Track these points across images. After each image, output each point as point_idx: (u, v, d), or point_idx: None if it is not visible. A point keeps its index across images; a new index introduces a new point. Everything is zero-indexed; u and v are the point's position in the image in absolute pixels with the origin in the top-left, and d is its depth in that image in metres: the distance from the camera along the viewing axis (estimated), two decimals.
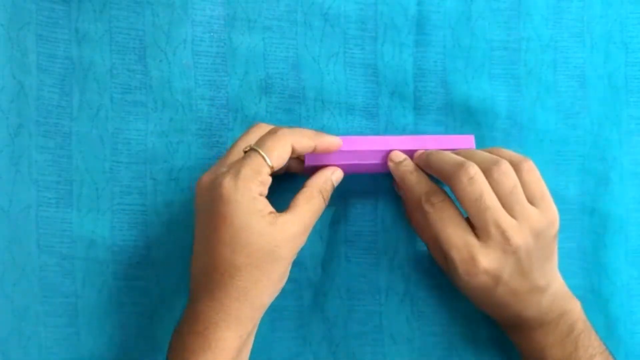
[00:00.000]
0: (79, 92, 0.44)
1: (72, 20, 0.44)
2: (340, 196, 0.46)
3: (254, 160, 0.36)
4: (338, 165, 0.41)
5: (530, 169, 0.39)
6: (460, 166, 0.38)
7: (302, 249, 0.45)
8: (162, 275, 0.45)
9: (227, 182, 0.35)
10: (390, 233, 0.46)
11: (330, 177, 0.40)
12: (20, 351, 0.43)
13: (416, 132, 0.46)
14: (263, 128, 0.40)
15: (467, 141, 0.43)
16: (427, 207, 0.39)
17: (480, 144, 0.45)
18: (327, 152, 0.40)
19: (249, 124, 0.43)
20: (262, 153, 0.36)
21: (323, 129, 0.46)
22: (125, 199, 0.45)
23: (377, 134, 0.46)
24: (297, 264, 0.45)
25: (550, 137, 0.47)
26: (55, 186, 0.44)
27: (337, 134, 0.46)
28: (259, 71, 0.45)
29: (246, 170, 0.36)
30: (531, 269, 0.38)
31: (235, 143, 0.40)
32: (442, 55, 0.47)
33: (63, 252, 0.44)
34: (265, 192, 0.37)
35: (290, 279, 0.45)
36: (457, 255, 0.38)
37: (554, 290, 0.40)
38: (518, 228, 0.37)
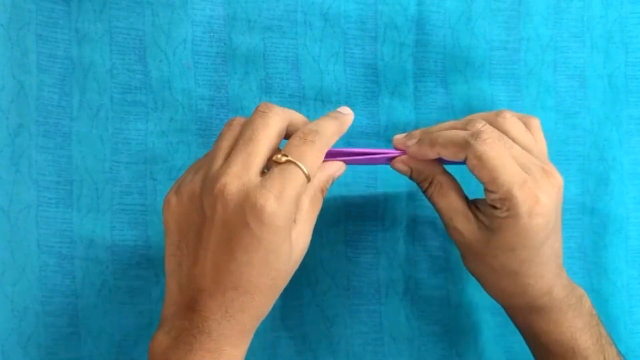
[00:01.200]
0: (79, 92, 0.44)
1: (72, 20, 0.44)
2: (340, 196, 0.46)
3: (296, 178, 0.32)
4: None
5: (538, 127, 0.39)
6: (469, 122, 0.36)
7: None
8: (162, 275, 0.45)
9: (270, 205, 0.31)
10: (391, 233, 0.46)
11: (334, 175, 0.37)
12: (20, 351, 0.43)
13: None
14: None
15: None
16: (479, 145, 0.35)
17: None
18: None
19: None
20: (304, 169, 0.33)
21: None
22: (125, 199, 0.45)
23: (377, 133, 0.46)
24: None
25: (550, 137, 0.47)
26: (55, 186, 0.44)
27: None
28: (259, 71, 0.45)
29: (290, 192, 0.32)
30: (560, 225, 0.37)
31: (225, 136, 0.36)
32: (442, 55, 0.47)
33: (63, 252, 0.44)
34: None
35: (290, 279, 0.45)
36: (520, 192, 0.34)
37: (563, 268, 0.39)
38: (551, 165, 0.37)
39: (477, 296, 0.46)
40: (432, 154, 0.37)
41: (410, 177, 0.39)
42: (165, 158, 0.45)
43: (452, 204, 0.38)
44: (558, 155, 0.47)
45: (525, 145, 0.37)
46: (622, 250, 0.47)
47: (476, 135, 0.35)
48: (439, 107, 0.47)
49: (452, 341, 0.46)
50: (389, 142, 0.44)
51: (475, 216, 0.37)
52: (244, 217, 0.31)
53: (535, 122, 0.39)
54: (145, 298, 0.44)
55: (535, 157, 0.36)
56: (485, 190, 0.35)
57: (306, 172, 0.33)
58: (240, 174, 0.32)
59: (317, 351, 0.46)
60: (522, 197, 0.34)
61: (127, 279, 0.44)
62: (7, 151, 0.43)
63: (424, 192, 0.39)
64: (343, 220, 0.46)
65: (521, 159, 0.35)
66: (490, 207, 0.36)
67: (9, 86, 0.43)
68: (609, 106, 0.48)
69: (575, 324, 0.38)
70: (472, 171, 0.35)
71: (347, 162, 0.38)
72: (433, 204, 0.39)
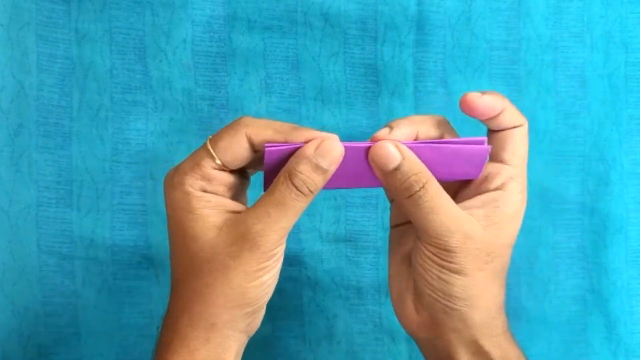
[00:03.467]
0: (79, 92, 0.44)
1: (72, 20, 0.44)
2: (340, 195, 0.46)
3: (199, 152, 0.31)
4: None
5: None
6: None
7: (302, 249, 0.45)
8: (162, 275, 0.45)
9: (167, 175, 0.31)
10: None
11: (308, 155, 0.29)
12: (20, 351, 0.43)
13: None
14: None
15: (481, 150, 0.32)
16: None
17: None
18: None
19: None
20: (209, 144, 0.30)
21: (323, 129, 0.45)
22: (125, 198, 0.44)
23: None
24: (297, 263, 0.45)
25: (550, 137, 0.47)
26: (55, 186, 0.44)
27: (337, 134, 0.46)
28: (259, 71, 0.45)
29: (186, 163, 0.31)
30: None
31: None
32: (442, 55, 0.47)
33: (63, 252, 0.44)
34: (213, 189, 0.30)
35: (290, 278, 0.45)
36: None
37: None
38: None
39: None
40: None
41: (382, 181, 0.32)
42: (165, 158, 0.45)
43: (456, 208, 0.32)
44: (558, 155, 0.47)
45: None
46: (622, 250, 0.47)
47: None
48: (439, 107, 0.46)
49: None
50: None
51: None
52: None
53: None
54: (145, 298, 0.44)
55: None
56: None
57: (208, 144, 0.30)
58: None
59: (317, 351, 0.46)
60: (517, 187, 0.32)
61: (127, 279, 0.44)
62: (7, 151, 0.43)
63: (415, 197, 0.31)
64: (343, 220, 0.46)
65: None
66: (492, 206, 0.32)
67: (9, 86, 0.43)
68: (609, 106, 0.48)
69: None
70: None
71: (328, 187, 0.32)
72: (433, 215, 0.31)
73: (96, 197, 0.44)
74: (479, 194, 0.32)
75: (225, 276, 0.30)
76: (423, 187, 0.30)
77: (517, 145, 0.32)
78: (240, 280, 0.30)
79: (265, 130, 0.30)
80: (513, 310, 0.47)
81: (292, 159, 0.30)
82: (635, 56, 0.48)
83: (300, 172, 0.29)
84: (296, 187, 0.29)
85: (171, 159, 0.45)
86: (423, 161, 0.31)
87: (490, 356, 0.32)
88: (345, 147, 0.30)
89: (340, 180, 0.31)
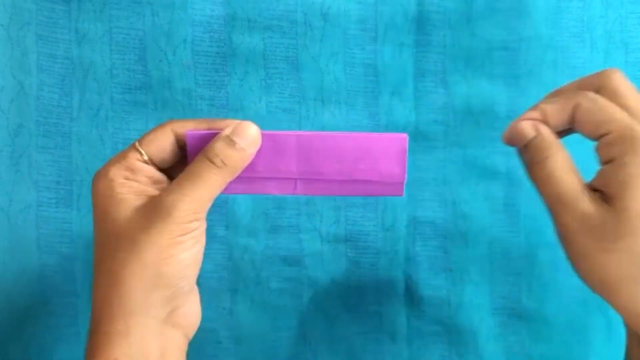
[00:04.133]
0: (79, 92, 0.44)
1: (72, 20, 0.44)
2: (340, 195, 0.46)
3: (127, 148, 0.32)
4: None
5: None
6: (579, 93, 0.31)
7: (303, 248, 0.45)
8: None
9: (95, 172, 0.32)
10: (391, 232, 0.46)
11: (223, 135, 0.31)
12: (20, 351, 0.43)
13: (416, 131, 0.46)
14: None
15: (399, 140, 0.33)
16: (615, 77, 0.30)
17: (480, 143, 0.45)
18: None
19: None
20: (136, 141, 0.32)
21: (323, 129, 0.46)
22: None
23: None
24: (297, 262, 0.45)
25: None
26: (55, 186, 0.44)
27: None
28: (259, 71, 0.46)
29: (113, 157, 0.32)
30: None
31: None
32: (442, 55, 0.47)
33: (63, 252, 0.44)
34: (137, 179, 0.31)
35: (290, 278, 0.45)
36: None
37: None
38: None
39: (477, 296, 0.46)
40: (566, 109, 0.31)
41: (521, 153, 0.32)
42: None
43: (577, 183, 0.30)
44: None
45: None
46: None
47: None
48: (439, 107, 0.46)
49: (452, 341, 0.46)
50: None
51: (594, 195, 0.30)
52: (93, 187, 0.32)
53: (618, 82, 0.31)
54: None
55: None
56: (599, 141, 0.30)
57: (136, 142, 0.32)
58: None
59: (317, 351, 0.46)
60: None
61: None
62: (7, 151, 0.43)
63: (535, 168, 0.31)
64: (343, 220, 0.46)
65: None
66: (603, 173, 0.30)
67: (9, 86, 0.43)
68: None
69: None
70: (581, 122, 0.30)
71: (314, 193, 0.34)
72: (549, 185, 0.30)
73: None
74: None
75: (138, 252, 0.29)
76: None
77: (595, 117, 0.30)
78: (153, 256, 0.30)
79: (188, 123, 0.32)
80: (513, 310, 0.47)
81: (211, 146, 0.31)
82: (635, 56, 0.48)
83: (215, 148, 0.31)
84: (209, 159, 0.31)
85: None
86: (336, 152, 0.33)
87: None
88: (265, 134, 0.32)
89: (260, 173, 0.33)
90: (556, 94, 0.32)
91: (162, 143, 0.32)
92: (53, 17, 0.44)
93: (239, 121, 0.32)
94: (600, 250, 0.29)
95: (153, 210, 0.30)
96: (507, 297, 0.47)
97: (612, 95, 0.30)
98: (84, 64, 0.44)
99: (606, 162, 0.29)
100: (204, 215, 0.31)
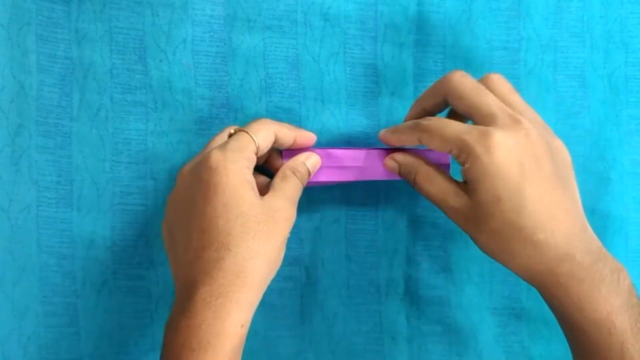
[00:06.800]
0: (79, 92, 0.44)
1: (72, 20, 0.44)
2: (341, 195, 0.46)
3: (241, 137, 0.38)
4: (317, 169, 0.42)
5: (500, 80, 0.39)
6: (447, 79, 0.39)
7: (303, 248, 0.46)
8: (162, 275, 0.45)
9: (215, 154, 0.36)
10: (391, 232, 0.46)
11: (304, 161, 0.41)
12: (20, 351, 0.43)
13: None
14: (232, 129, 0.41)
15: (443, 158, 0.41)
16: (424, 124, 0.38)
17: None
18: (304, 147, 0.41)
19: None
20: (249, 132, 0.38)
21: (323, 129, 0.46)
22: (125, 198, 0.45)
23: (377, 134, 0.46)
24: (297, 262, 0.45)
25: None
26: (55, 186, 0.44)
27: (337, 134, 0.46)
28: (259, 71, 0.45)
29: (233, 144, 0.37)
30: (554, 175, 0.36)
31: (210, 140, 0.41)
32: (442, 55, 0.47)
33: (63, 252, 0.44)
34: (252, 169, 0.37)
35: (290, 278, 0.45)
36: (469, 136, 0.35)
37: (591, 235, 0.36)
38: (524, 116, 0.37)
39: (477, 296, 0.46)
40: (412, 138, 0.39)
41: (399, 175, 0.41)
42: (165, 158, 0.45)
43: (441, 187, 0.38)
44: None
45: (500, 95, 0.38)
46: (622, 250, 0.47)
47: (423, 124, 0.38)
48: None
49: (452, 341, 0.46)
50: None
51: (464, 190, 0.37)
52: (198, 174, 0.36)
53: (495, 77, 0.39)
54: (145, 298, 0.44)
55: (509, 106, 0.37)
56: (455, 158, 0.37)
57: (248, 132, 0.38)
58: (196, 157, 0.39)
59: (317, 351, 0.46)
60: (473, 139, 0.35)
61: (127, 279, 0.44)
62: (7, 151, 0.43)
63: (413, 185, 0.40)
64: (343, 220, 0.46)
65: (488, 101, 0.37)
66: (463, 174, 0.37)
67: (9, 86, 0.43)
68: (609, 106, 0.48)
69: (611, 301, 0.34)
70: (429, 146, 0.38)
71: (328, 179, 0.42)
72: (424, 193, 0.39)
73: (96, 197, 0.44)
74: None
75: (277, 239, 0.36)
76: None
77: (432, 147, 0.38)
78: (282, 245, 0.37)
79: (283, 127, 0.40)
80: (513, 310, 0.47)
81: (294, 165, 0.40)
82: (635, 56, 0.48)
83: (301, 172, 0.40)
84: (300, 179, 0.40)
85: (171, 158, 0.45)
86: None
87: None
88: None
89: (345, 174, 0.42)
90: (404, 122, 0.41)
91: (269, 139, 0.39)
92: (53, 17, 0.44)
93: (310, 136, 0.41)
94: (476, 232, 0.36)
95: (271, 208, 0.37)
96: (507, 297, 0.47)
97: (457, 98, 0.38)
98: (84, 64, 0.44)
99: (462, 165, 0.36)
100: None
